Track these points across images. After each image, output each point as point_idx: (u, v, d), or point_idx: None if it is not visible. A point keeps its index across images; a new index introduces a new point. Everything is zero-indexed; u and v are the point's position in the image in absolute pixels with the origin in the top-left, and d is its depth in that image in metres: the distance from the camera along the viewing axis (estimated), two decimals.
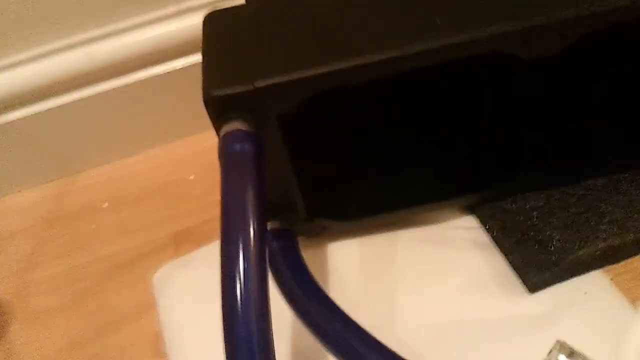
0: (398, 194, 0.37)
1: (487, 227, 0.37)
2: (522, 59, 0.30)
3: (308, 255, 0.36)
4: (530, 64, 0.30)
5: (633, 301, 0.33)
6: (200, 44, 0.32)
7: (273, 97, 0.29)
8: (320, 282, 0.35)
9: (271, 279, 0.35)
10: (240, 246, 0.29)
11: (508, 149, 0.37)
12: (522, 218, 0.35)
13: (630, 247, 0.34)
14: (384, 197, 0.38)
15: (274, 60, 0.29)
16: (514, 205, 0.36)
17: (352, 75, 0.29)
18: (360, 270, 0.37)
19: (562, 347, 0.27)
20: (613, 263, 0.34)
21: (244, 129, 0.29)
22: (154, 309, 0.39)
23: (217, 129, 0.29)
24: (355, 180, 0.37)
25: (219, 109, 0.29)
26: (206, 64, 0.31)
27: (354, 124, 0.34)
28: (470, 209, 0.38)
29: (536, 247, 0.34)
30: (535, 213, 0.35)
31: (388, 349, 0.32)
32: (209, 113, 0.30)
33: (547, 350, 0.31)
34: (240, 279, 0.30)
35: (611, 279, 0.34)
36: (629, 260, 0.34)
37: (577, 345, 0.30)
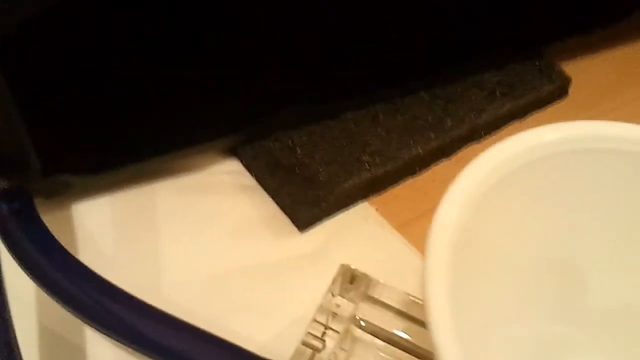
0: (148, 139, 0.33)
1: (251, 168, 0.34)
2: None
3: (49, 219, 0.30)
4: None
5: (398, 227, 0.33)
6: None
7: None
8: (68, 250, 0.30)
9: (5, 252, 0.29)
10: None
11: (263, 83, 0.35)
12: (286, 156, 0.34)
13: (391, 176, 0.34)
14: (133, 144, 0.33)
15: None
16: (276, 144, 0.34)
17: None
18: (114, 230, 0.33)
19: (346, 270, 0.26)
20: (376, 193, 0.35)
21: None
22: None
23: None
24: (97, 123, 0.32)
25: None
26: None
27: (90, 46, 0.29)
28: (231, 151, 0.35)
29: (303, 184, 0.33)
30: (299, 149, 0.34)
31: (157, 310, 0.28)
32: None
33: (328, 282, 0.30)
34: None
35: (376, 209, 0.34)
36: (391, 189, 0.35)
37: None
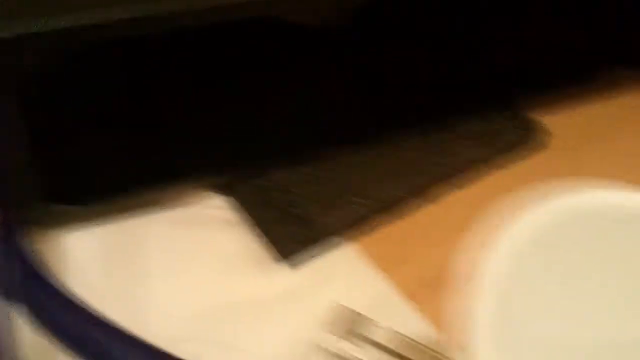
0: (144, 172, 0.34)
1: (243, 205, 0.35)
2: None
3: (40, 248, 0.31)
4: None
5: (384, 268, 0.34)
6: None
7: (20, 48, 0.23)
8: (58, 279, 0.30)
9: None
10: None
11: (260, 125, 0.36)
12: (277, 194, 0.35)
13: (378, 216, 0.35)
14: (128, 176, 0.34)
15: None
16: (268, 182, 0.35)
17: (119, 29, 0.25)
18: (105, 261, 0.33)
19: (343, 311, 0.27)
20: (364, 233, 0.35)
21: None
22: None
23: None
24: (92, 157, 0.32)
25: None
26: None
27: (101, 90, 0.30)
28: (224, 187, 0.36)
29: (293, 221, 0.34)
30: (290, 188, 0.35)
31: (147, 343, 0.29)
32: None
33: (311, 322, 0.30)
34: None
35: (363, 249, 0.35)
36: (377, 231, 0.36)
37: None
